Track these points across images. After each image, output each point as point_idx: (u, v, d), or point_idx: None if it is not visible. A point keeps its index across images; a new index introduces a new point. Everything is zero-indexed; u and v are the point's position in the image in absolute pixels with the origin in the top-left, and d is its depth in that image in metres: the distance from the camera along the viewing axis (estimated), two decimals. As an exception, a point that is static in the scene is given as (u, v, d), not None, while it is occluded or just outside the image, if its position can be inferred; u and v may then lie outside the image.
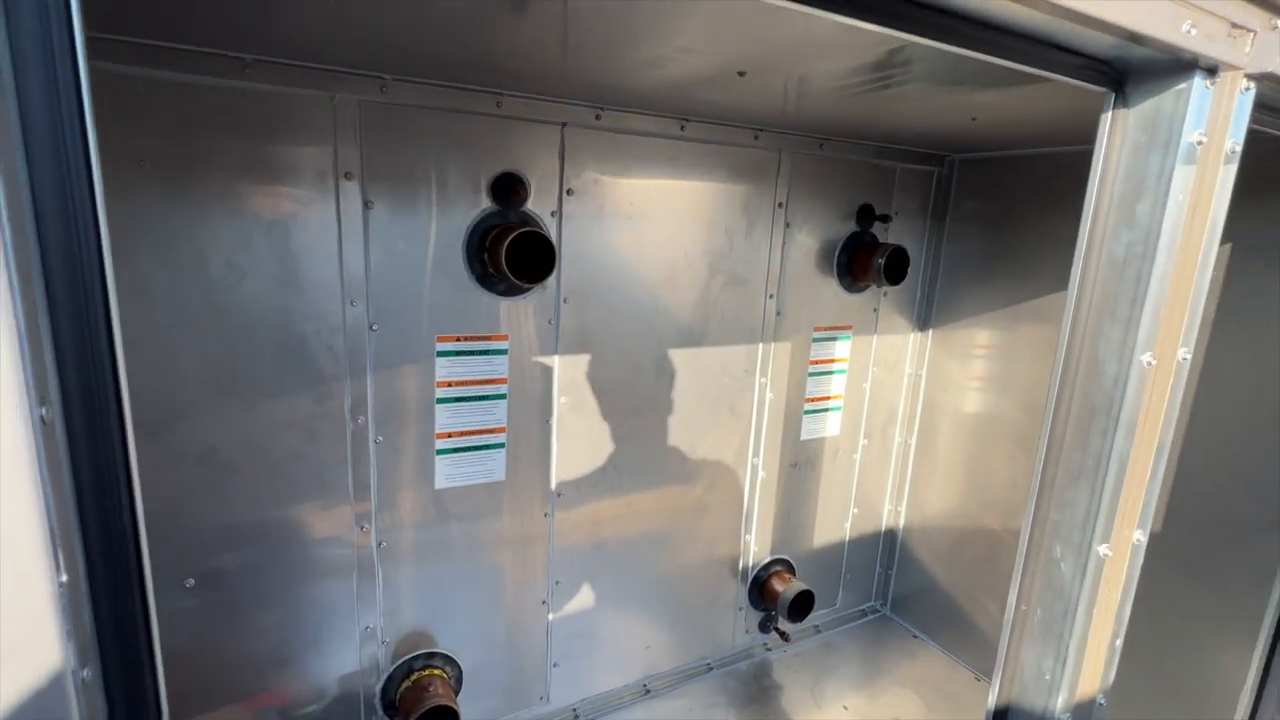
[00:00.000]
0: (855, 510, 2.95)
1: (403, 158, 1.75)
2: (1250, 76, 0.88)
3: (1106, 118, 0.89)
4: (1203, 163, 0.88)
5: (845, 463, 2.86)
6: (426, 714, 1.91)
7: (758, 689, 2.60)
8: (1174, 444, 1.93)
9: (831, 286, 2.61)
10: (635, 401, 2.27)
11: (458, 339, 1.92)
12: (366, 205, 1.72)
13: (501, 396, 2.03)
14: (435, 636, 2.09)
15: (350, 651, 1.96)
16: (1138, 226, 0.90)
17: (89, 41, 0.57)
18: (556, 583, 2.26)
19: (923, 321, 2.86)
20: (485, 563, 2.12)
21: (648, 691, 2.53)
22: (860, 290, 2.67)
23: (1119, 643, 1.06)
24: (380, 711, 2.03)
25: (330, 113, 1.64)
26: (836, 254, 2.56)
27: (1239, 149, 0.90)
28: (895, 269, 2.49)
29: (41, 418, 0.53)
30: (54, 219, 0.53)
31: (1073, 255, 0.98)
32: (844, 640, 2.93)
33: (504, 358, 2.00)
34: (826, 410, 2.73)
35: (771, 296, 2.45)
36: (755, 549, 2.69)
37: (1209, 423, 1.96)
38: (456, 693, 2.11)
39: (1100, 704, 1.08)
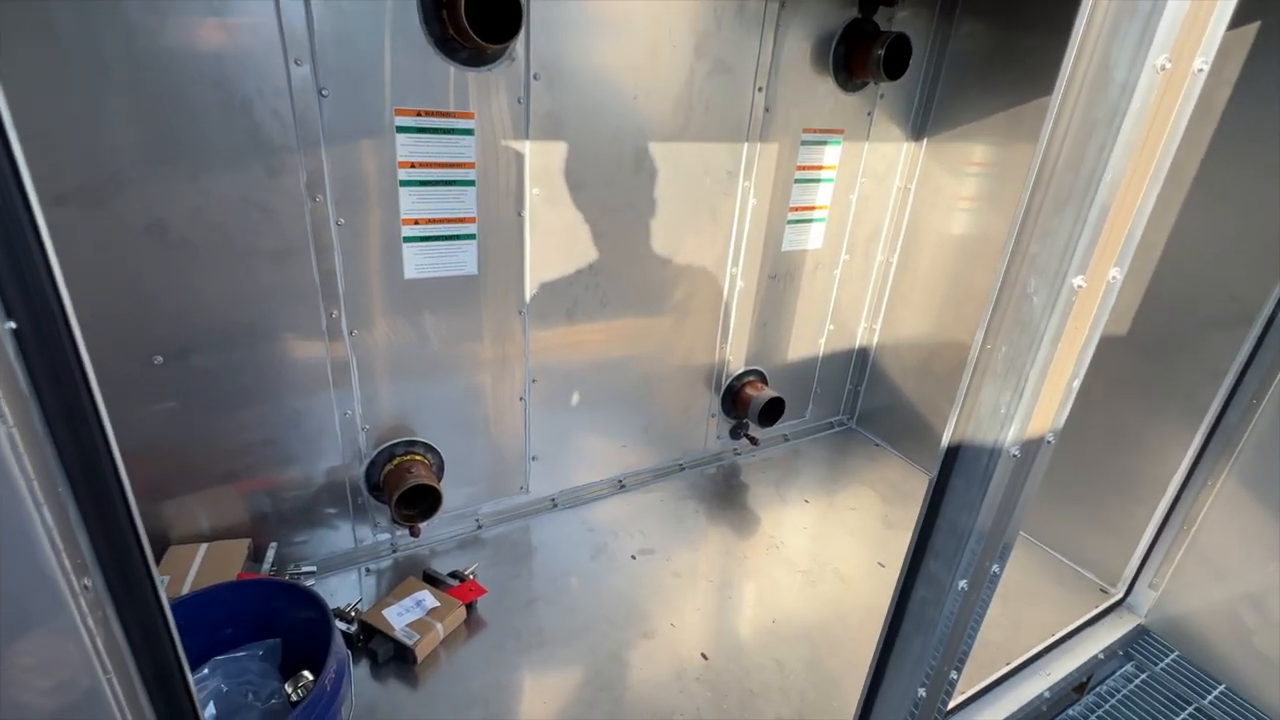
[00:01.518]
0: (831, 327, 2.98)
1: None
2: None
3: None
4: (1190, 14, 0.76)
5: (825, 278, 2.84)
6: (409, 492, 2.01)
7: (726, 486, 2.77)
8: (1158, 235, 1.92)
9: (826, 84, 2.42)
10: (612, 197, 2.17)
11: (418, 113, 1.77)
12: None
13: (470, 183, 1.91)
14: (414, 428, 2.14)
15: (332, 438, 2.01)
16: (1109, 102, 0.79)
17: None
18: (533, 381, 2.30)
19: (918, 130, 2.71)
20: (461, 357, 2.13)
21: (622, 486, 2.68)
22: (856, 89, 2.49)
23: (1076, 384, 1.08)
24: (366, 492, 2.13)
25: None
26: (834, 44, 2.35)
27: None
28: (895, 61, 2.31)
29: None
30: None
31: None
32: (810, 448, 3.09)
33: (470, 139, 1.86)
34: (810, 221, 2.66)
35: (760, 89, 2.28)
36: (731, 359, 2.74)
37: (1195, 221, 1.92)
38: (439, 479, 2.21)
39: (1048, 442, 1.12)
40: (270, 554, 1.97)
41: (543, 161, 2.00)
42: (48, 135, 1.41)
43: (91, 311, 1.56)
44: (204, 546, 1.86)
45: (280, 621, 1.63)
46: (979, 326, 1.05)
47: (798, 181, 2.53)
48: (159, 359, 1.68)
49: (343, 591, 2.06)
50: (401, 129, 1.76)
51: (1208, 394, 1.95)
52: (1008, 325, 1.01)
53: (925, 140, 2.70)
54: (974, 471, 1.10)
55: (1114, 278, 0.98)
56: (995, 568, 1.22)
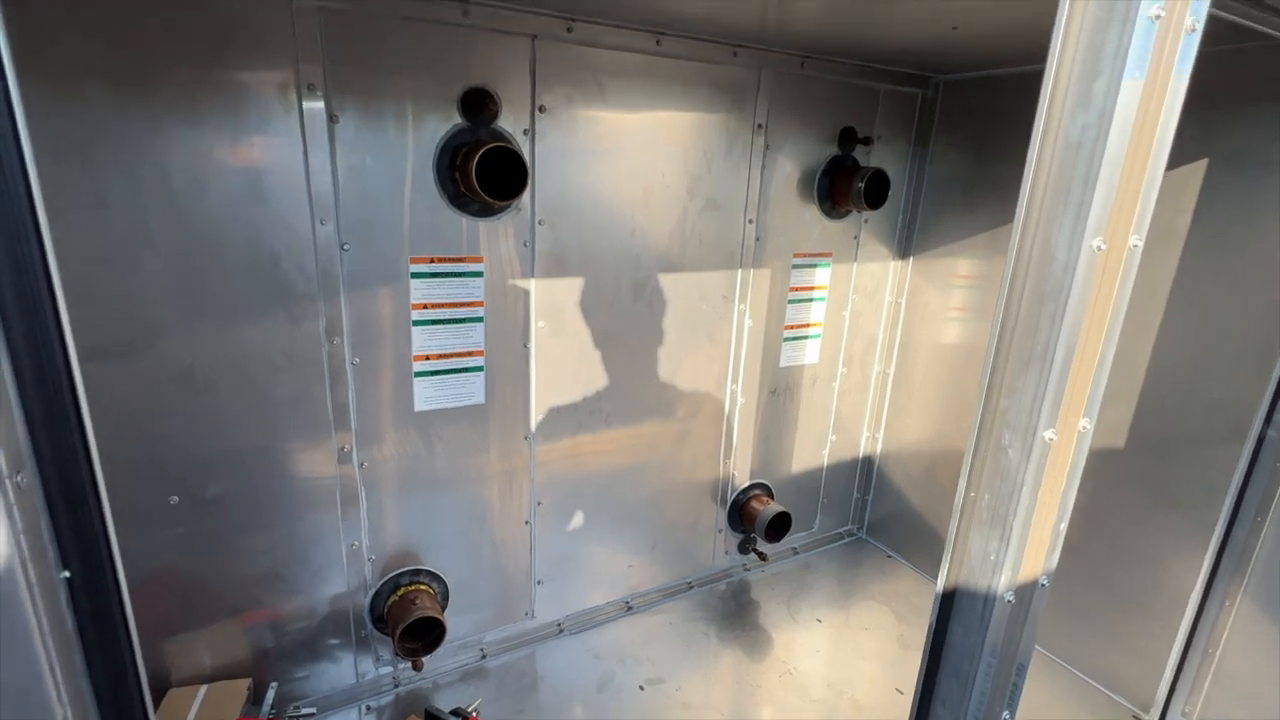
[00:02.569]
0: (834, 437, 3.01)
1: (367, 70, 1.70)
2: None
3: (1067, -5, 0.88)
4: (1160, 39, 0.87)
5: (824, 390, 2.91)
6: (412, 625, 1.99)
7: (736, 605, 2.71)
8: (1142, 355, 1.99)
9: (812, 212, 2.59)
10: (614, 326, 2.28)
11: (432, 260, 1.91)
12: (331, 119, 1.68)
13: (479, 320, 2.03)
14: (420, 555, 2.15)
15: (338, 568, 2.02)
16: (1093, 108, 0.89)
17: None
18: (539, 504, 2.32)
19: (903, 249, 2.86)
20: (468, 484, 2.17)
21: (630, 608, 2.63)
22: (841, 216, 2.66)
23: (1063, 527, 1.10)
24: (370, 624, 2.11)
25: (289, 20, 1.58)
26: (817, 178, 2.54)
27: (1199, 27, 0.89)
28: (875, 192, 2.47)
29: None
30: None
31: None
32: (821, 561, 3.04)
33: (480, 280, 2.00)
34: (806, 338, 2.76)
35: (751, 221, 2.44)
36: (735, 474, 2.76)
37: (1176, 339, 1.99)
38: (444, 608, 2.19)
39: (1043, 585, 1.13)
40: (270, 694, 1.93)
41: (548, 297, 2.13)
42: (93, 292, 1.53)
43: (113, 456, 1.64)
44: (204, 689, 1.84)
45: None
46: (961, 474, 1.09)
47: (791, 301, 2.65)
48: (175, 499, 1.74)
49: (342, 732, 2.00)
50: (416, 275, 1.90)
51: (1212, 509, 1.95)
52: (988, 475, 1.05)
53: (911, 258, 2.84)
54: (971, 619, 1.11)
55: (1084, 428, 1.03)
56: (1006, 714, 1.20)
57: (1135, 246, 0.96)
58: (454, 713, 2.05)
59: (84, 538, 0.68)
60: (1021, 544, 1.06)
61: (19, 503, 0.50)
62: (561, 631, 2.48)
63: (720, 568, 2.87)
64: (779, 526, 2.71)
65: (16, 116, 0.65)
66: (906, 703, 2.21)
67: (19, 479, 0.50)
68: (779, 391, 2.76)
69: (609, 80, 2.02)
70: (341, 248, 1.78)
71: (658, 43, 2.05)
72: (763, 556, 2.84)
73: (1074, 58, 0.90)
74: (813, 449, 2.97)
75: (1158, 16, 0.85)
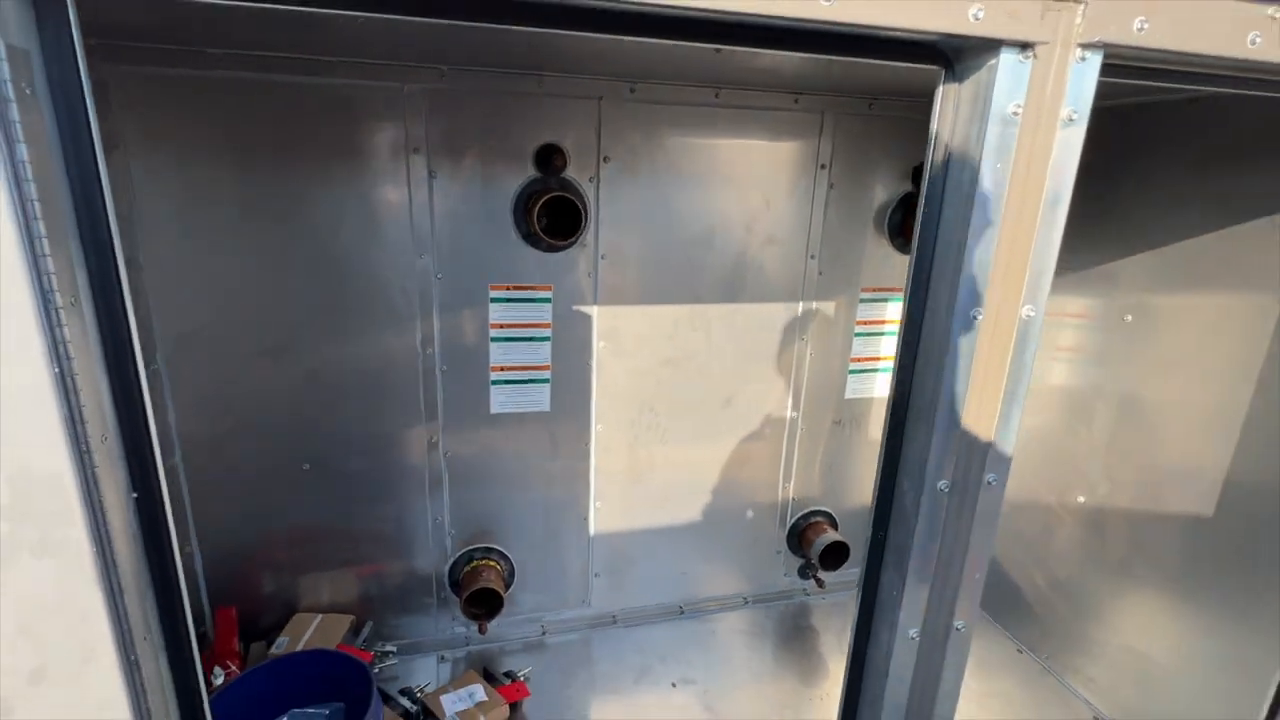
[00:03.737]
0: (908, 473, 2.95)
1: (459, 134, 2.09)
2: (1085, 46, 0.90)
3: (939, 91, 0.96)
4: (1029, 131, 0.93)
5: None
6: (475, 594, 2.36)
7: (793, 627, 2.78)
8: (1196, 474, 1.77)
9: (884, 247, 2.61)
10: (672, 350, 2.50)
11: (508, 288, 2.27)
12: (431, 175, 2.10)
13: (547, 339, 2.36)
14: (493, 535, 2.52)
15: (425, 538, 2.45)
16: (962, 192, 0.97)
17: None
18: (597, 505, 2.60)
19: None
20: (534, 479, 2.50)
21: (682, 612, 2.81)
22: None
23: (978, 577, 1.15)
24: (448, 588, 2.52)
25: (401, 100, 2.01)
26: (889, 214, 2.56)
27: (1078, 115, 0.93)
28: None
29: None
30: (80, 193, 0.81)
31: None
32: (887, 597, 2.99)
33: (548, 305, 2.32)
34: (875, 371, 2.76)
35: (813, 257, 2.53)
36: (795, 499, 2.84)
37: (1250, 454, 1.79)
38: (508, 585, 2.55)
39: (957, 629, 1.18)
40: (366, 630, 2.41)
41: (609, 322, 2.40)
42: (260, 308, 2.07)
43: (266, 433, 2.18)
44: (319, 617, 2.34)
45: (350, 689, 2.01)
46: (869, 515, 1.18)
47: (858, 335, 2.68)
48: (307, 465, 2.25)
49: (420, 673, 2.42)
50: (494, 299, 2.27)
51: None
52: (894, 518, 1.14)
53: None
54: (876, 655, 1.20)
55: (991, 481, 1.09)
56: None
57: (1029, 316, 1.02)
58: (506, 674, 2.39)
59: (144, 474, 0.99)
60: (920, 586, 1.13)
61: (107, 451, 0.85)
62: (615, 623, 2.74)
63: (779, 588, 2.95)
64: (835, 555, 2.74)
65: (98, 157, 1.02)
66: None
67: (104, 439, 0.84)
68: (844, 422, 2.80)
69: (669, 131, 2.26)
70: (435, 277, 2.19)
71: (716, 95, 2.24)
72: (820, 583, 2.88)
73: (946, 151, 0.99)
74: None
75: (1016, 112, 0.92)
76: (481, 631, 2.45)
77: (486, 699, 2.23)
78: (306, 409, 2.20)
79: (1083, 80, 0.92)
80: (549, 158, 2.15)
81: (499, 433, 2.41)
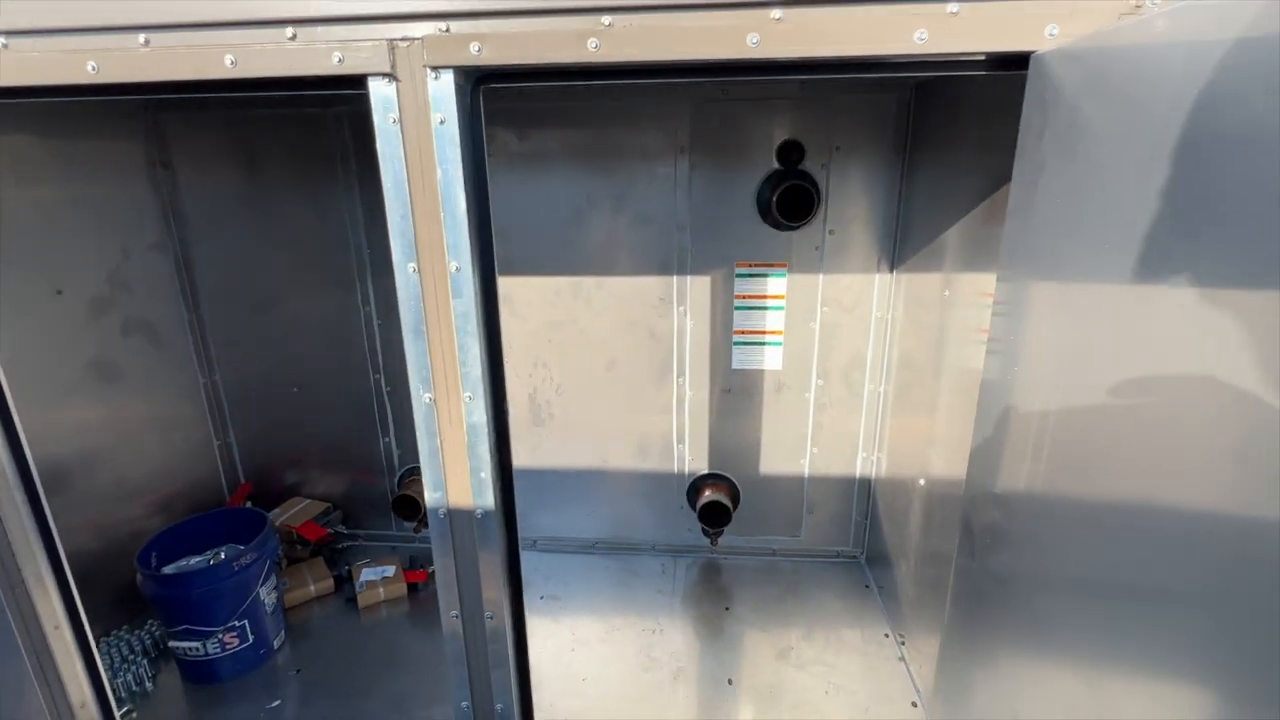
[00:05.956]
0: (814, 449, 3.00)
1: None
2: (434, 68, 1.23)
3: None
4: (413, 132, 1.28)
5: (795, 400, 2.94)
6: (403, 498, 3.06)
7: (692, 581, 3.04)
8: None
9: (754, 224, 2.73)
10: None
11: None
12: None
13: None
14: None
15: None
16: (392, 168, 1.35)
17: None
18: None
19: (892, 262, 2.69)
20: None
21: (594, 548, 3.23)
22: (791, 228, 2.70)
23: (485, 474, 1.50)
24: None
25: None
26: (756, 191, 2.68)
27: (451, 118, 1.26)
28: (788, 207, 2.52)
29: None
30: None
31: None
32: (807, 570, 3.06)
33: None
34: (762, 344, 2.87)
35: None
36: (690, 459, 3.07)
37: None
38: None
39: (478, 514, 1.54)
40: (334, 515, 3.25)
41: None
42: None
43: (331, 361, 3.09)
44: (305, 501, 3.24)
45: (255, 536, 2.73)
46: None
47: (739, 308, 2.83)
48: (295, 388, 3.13)
49: (374, 555, 3.19)
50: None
51: None
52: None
53: (901, 273, 2.65)
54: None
55: (468, 398, 1.45)
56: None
57: (458, 269, 1.37)
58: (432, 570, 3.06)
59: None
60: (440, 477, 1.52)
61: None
62: (535, 546, 3.25)
63: (685, 542, 3.21)
64: (713, 515, 2.94)
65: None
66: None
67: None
68: (734, 391, 2.95)
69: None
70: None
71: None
72: (713, 541, 3.07)
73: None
74: (786, 456, 3.02)
75: (396, 120, 1.29)
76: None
77: (392, 576, 2.92)
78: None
79: (443, 91, 1.26)
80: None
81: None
